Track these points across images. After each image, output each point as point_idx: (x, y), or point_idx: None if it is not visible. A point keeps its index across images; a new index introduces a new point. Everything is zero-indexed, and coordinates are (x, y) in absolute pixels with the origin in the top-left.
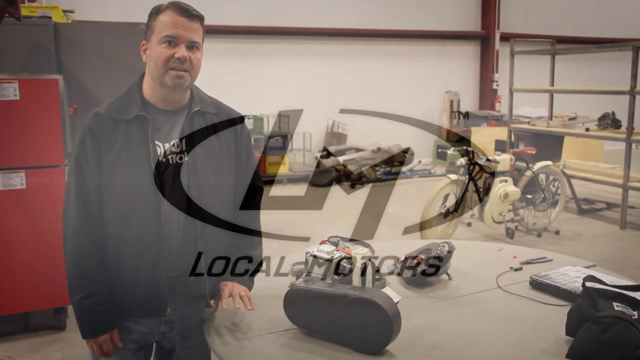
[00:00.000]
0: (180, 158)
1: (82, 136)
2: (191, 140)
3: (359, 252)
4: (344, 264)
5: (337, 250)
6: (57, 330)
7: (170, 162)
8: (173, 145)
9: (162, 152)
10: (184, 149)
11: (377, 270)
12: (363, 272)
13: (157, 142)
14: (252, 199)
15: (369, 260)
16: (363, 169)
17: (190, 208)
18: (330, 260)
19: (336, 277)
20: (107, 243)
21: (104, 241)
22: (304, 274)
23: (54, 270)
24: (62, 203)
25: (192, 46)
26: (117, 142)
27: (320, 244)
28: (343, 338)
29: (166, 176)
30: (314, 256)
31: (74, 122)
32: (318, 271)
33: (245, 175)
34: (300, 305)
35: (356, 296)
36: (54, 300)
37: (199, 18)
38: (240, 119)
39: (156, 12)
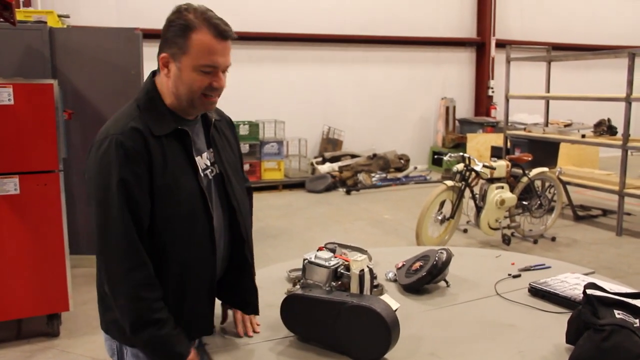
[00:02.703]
0: (212, 171)
1: (123, 156)
2: (217, 152)
3: (356, 258)
4: (342, 271)
5: (335, 257)
6: (51, 337)
7: (209, 176)
8: (207, 158)
9: (203, 166)
10: (213, 161)
11: (375, 277)
12: (361, 279)
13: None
14: (249, 202)
15: (367, 267)
16: (359, 175)
17: (234, 221)
18: (327, 267)
19: (334, 284)
20: (167, 272)
21: (162, 271)
22: (301, 281)
23: (48, 277)
24: (56, 208)
25: (225, 69)
26: (165, 161)
27: (317, 251)
28: (341, 346)
29: (208, 191)
30: (312, 262)
31: (69, 127)
32: (315, 278)
33: (243, 177)
34: (298, 313)
35: (354, 303)
36: (48, 307)
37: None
38: (231, 121)
39: (187, 28)
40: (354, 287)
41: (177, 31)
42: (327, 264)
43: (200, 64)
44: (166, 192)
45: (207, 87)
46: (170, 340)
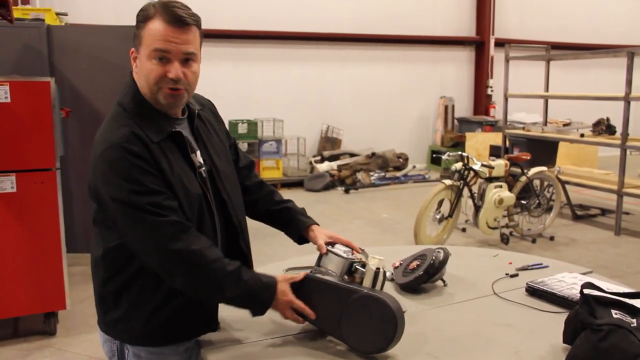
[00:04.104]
0: (205, 168)
1: (134, 161)
2: (204, 145)
3: (375, 256)
4: (357, 267)
5: (353, 254)
6: (48, 336)
7: (203, 174)
8: (199, 155)
9: (198, 164)
10: (204, 157)
11: (388, 280)
12: (376, 275)
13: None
14: (254, 173)
15: (383, 268)
16: (357, 174)
17: (226, 213)
18: (345, 259)
19: (346, 277)
20: None
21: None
22: (314, 267)
23: (45, 275)
24: (53, 206)
25: (187, 59)
26: (170, 165)
27: (334, 245)
28: (342, 334)
29: (207, 188)
30: (331, 251)
31: (66, 125)
32: (330, 267)
33: (235, 154)
34: (306, 294)
35: (367, 293)
36: (45, 305)
37: (195, 24)
38: (211, 104)
39: (144, 18)
40: (367, 282)
41: (138, 23)
42: (345, 255)
43: (151, 50)
44: (177, 194)
45: (162, 78)
46: (256, 277)
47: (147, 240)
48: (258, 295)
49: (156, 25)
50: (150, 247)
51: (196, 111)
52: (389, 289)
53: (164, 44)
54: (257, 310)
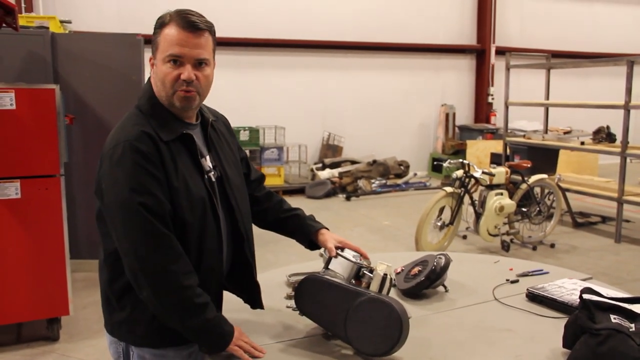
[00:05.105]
0: (214, 173)
1: (139, 160)
2: (216, 152)
3: (383, 262)
4: (365, 272)
5: (361, 260)
6: (51, 341)
7: (212, 178)
8: (209, 160)
9: (207, 169)
10: (214, 163)
11: (394, 286)
12: (383, 281)
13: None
14: (263, 185)
15: (390, 275)
16: (358, 181)
17: (233, 220)
18: (354, 263)
19: (353, 281)
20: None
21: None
22: (322, 270)
23: (48, 281)
24: (57, 212)
25: (200, 63)
26: (175, 165)
27: (343, 250)
28: (347, 335)
29: (214, 193)
30: (341, 255)
31: (70, 132)
32: (339, 270)
33: (247, 167)
34: (314, 294)
35: (375, 296)
36: (48, 311)
37: (208, 30)
38: (225, 118)
39: (160, 25)
40: (374, 287)
41: (155, 30)
42: (354, 259)
43: (166, 55)
44: (179, 195)
45: (175, 80)
46: (219, 321)
47: (129, 242)
48: (212, 339)
49: (171, 31)
50: (131, 250)
51: (210, 120)
52: (391, 294)
53: (178, 49)
54: (205, 349)
